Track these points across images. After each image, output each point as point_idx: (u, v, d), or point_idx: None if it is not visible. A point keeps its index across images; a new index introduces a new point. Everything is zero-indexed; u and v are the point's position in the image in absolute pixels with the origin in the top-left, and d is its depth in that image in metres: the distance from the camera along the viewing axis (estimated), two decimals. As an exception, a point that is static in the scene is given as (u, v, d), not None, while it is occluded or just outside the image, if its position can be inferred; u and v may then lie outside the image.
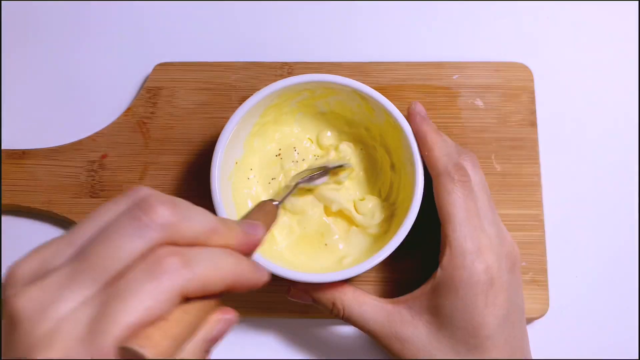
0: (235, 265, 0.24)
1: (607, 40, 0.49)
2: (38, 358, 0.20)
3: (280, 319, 0.44)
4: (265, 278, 0.26)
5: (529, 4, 0.50)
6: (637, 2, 0.50)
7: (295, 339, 0.44)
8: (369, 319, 0.37)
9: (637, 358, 0.43)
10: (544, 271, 0.43)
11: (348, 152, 0.43)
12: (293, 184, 0.40)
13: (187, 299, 0.22)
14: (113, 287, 0.21)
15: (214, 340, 0.24)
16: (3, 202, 0.45)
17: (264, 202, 0.32)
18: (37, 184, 0.45)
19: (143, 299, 0.21)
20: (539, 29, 0.50)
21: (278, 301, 0.42)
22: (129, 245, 0.22)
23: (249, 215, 0.30)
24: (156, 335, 0.21)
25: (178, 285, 0.22)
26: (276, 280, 0.36)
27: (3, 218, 0.47)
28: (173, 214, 0.22)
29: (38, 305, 0.21)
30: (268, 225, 0.31)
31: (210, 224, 0.24)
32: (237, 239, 0.25)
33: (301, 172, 0.42)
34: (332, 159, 0.43)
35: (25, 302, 0.21)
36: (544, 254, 0.43)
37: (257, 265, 0.26)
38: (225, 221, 0.25)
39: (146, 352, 0.20)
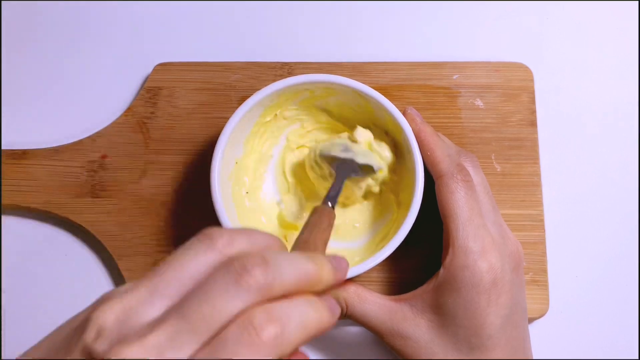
0: (319, 322, 0.24)
1: (607, 41, 0.50)
2: None
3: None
4: (335, 319, 0.25)
5: (529, 4, 0.51)
6: (637, 2, 0.50)
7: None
8: (372, 317, 0.37)
9: (637, 358, 0.43)
10: (544, 271, 0.43)
11: (385, 153, 0.41)
12: (339, 176, 0.38)
13: None
14: (214, 352, 0.21)
15: None
16: (3, 202, 0.45)
17: (323, 209, 0.32)
18: (37, 184, 0.45)
19: None
20: (538, 28, 0.50)
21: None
22: (230, 306, 0.22)
23: (317, 230, 0.30)
24: None
25: (274, 355, 0.22)
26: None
27: (3, 218, 0.47)
28: (267, 276, 0.23)
29: None
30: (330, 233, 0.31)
31: (300, 275, 0.24)
32: (327, 283, 0.25)
33: (344, 159, 0.39)
34: (370, 152, 0.40)
35: None
36: (544, 254, 0.43)
37: (333, 309, 0.25)
38: (317, 263, 0.25)
39: None
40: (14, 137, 0.48)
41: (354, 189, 0.41)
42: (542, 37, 0.50)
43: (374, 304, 0.37)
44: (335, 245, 0.42)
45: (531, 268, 0.43)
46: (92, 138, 0.46)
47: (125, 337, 0.21)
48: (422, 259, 0.43)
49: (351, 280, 0.38)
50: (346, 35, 0.50)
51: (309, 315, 0.24)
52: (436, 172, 0.37)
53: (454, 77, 0.47)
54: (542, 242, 0.43)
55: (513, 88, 0.46)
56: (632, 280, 0.44)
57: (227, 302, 0.22)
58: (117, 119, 0.47)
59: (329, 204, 0.33)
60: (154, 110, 0.47)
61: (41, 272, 0.45)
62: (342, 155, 0.39)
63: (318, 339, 0.43)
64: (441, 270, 0.36)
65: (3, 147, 0.47)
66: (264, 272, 0.23)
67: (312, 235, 0.29)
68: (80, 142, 0.46)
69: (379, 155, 0.40)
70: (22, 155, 0.46)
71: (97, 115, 0.48)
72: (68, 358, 0.22)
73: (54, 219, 0.46)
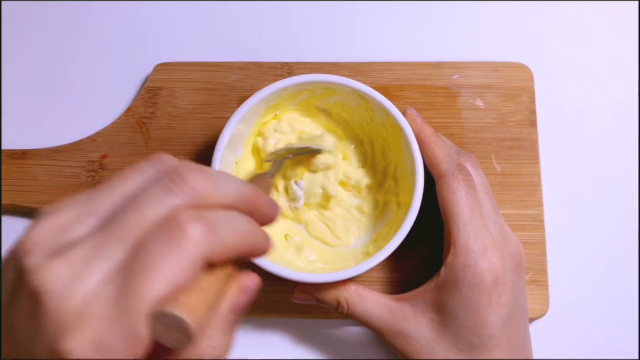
0: (254, 233, 0.24)
1: (607, 40, 0.49)
2: (69, 340, 0.19)
3: (282, 319, 0.44)
4: (271, 246, 0.26)
5: (529, 4, 0.51)
6: (637, 2, 0.50)
7: (297, 338, 0.44)
8: (372, 315, 0.37)
9: (637, 358, 0.43)
10: (544, 271, 0.43)
11: (329, 141, 0.42)
12: (278, 159, 0.39)
13: (210, 265, 0.22)
14: (136, 257, 0.20)
15: (239, 310, 0.24)
16: (3, 202, 0.45)
17: (262, 175, 0.34)
18: (37, 184, 0.45)
19: (168, 270, 0.20)
20: (538, 28, 0.50)
21: (279, 301, 0.42)
22: (156, 210, 0.21)
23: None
24: (191, 301, 0.20)
25: (202, 252, 0.21)
26: (277, 280, 0.36)
27: (3, 218, 0.46)
28: (202, 183, 0.22)
29: (64, 281, 0.20)
30: None
31: (238, 192, 0.24)
32: (261, 210, 0.25)
33: (279, 150, 0.41)
34: (313, 139, 0.42)
35: (51, 277, 0.20)
36: (544, 254, 0.43)
37: (267, 234, 0.25)
38: (255, 189, 0.25)
39: (185, 315, 0.20)
40: (14, 137, 0.48)
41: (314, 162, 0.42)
42: (542, 37, 0.50)
43: (375, 302, 0.37)
44: (335, 247, 0.42)
45: (531, 268, 0.43)
46: (92, 138, 0.46)
47: (53, 252, 0.20)
48: (422, 259, 0.43)
49: (352, 280, 0.38)
50: (346, 35, 0.50)
51: (243, 226, 0.23)
52: (437, 171, 0.37)
53: (454, 77, 0.47)
54: (542, 242, 0.43)
55: (513, 88, 0.46)
56: (632, 280, 0.44)
57: (153, 207, 0.21)
58: (117, 118, 0.47)
59: (268, 174, 0.35)
60: (154, 110, 0.47)
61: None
62: (277, 148, 0.41)
63: (317, 340, 0.43)
64: (442, 270, 0.36)
65: (3, 147, 0.47)
66: (201, 181, 0.22)
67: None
68: (80, 142, 0.46)
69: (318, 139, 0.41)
70: (22, 155, 0.46)
71: (97, 115, 0.48)
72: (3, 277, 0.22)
73: (54, 219, 0.46)
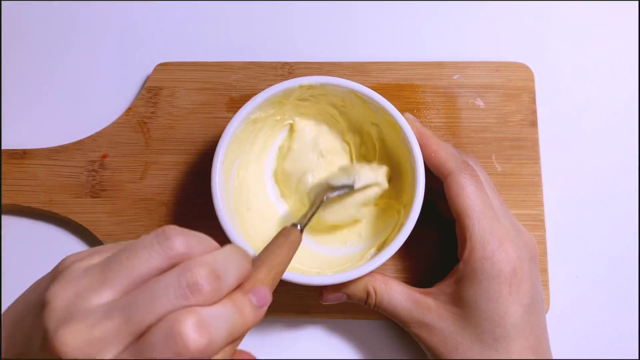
0: (243, 325, 0.25)
1: (607, 40, 0.50)
2: None
3: (282, 319, 0.44)
4: (261, 316, 0.27)
5: (530, 4, 0.51)
6: (637, 2, 0.50)
7: (297, 338, 0.44)
8: (398, 305, 0.37)
9: (637, 358, 0.43)
10: (544, 271, 0.43)
11: (379, 173, 0.41)
12: (316, 199, 0.39)
13: None
14: (141, 348, 0.22)
15: None
16: (3, 202, 0.45)
17: (288, 230, 0.32)
18: (38, 184, 0.45)
19: None
20: (539, 28, 0.50)
21: (279, 301, 0.42)
22: (164, 309, 0.23)
23: (272, 250, 0.30)
24: None
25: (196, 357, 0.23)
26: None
27: (3, 218, 0.46)
28: (214, 292, 0.24)
29: (80, 345, 0.22)
30: (292, 255, 0.31)
31: (240, 277, 0.26)
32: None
33: (320, 184, 0.41)
34: (357, 172, 0.41)
35: (68, 340, 0.22)
36: (544, 254, 0.43)
37: (260, 304, 0.27)
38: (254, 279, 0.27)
39: None
40: (14, 137, 0.48)
41: (348, 209, 0.41)
42: (542, 37, 0.50)
43: (401, 292, 0.38)
44: (340, 252, 0.42)
45: (532, 268, 0.43)
46: (93, 138, 0.46)
47: (70, 319, 0.23)
48: (424, 257, 0.43)
49: (376, 271, 0.38)
50: (346, 35, 0.50)
51: (236, 322, 0.25)
52: (444, 170, 0.38)
53: (455, 77, 0.47)
54: (542, 242, 0.43)
55: (514, 88, 0.46)
56: (632, 281, 0.44)
57: (165, 305, 0.23)
58: (118, 118, 0.47)
59: (298, 226, 0.33)
60: (154, 110, 0.47)
61: (41, 272, 0.45)
62: (314, 184, 0.41)
63: (317, 339, 0.43)
64: (460, 265, 0.36)
65: (3, 147, 0.47)
66: (213, 288, 0.24)
67: (264, 258, 0.30)
68: (80, 142, 0.46)
69: (362, 172, 0.40)
70: (22, 155, 0.46)
71: (97, 115, 0.48)
72: (26, 327, 0.25)
73: (54, 219, 0.46)
